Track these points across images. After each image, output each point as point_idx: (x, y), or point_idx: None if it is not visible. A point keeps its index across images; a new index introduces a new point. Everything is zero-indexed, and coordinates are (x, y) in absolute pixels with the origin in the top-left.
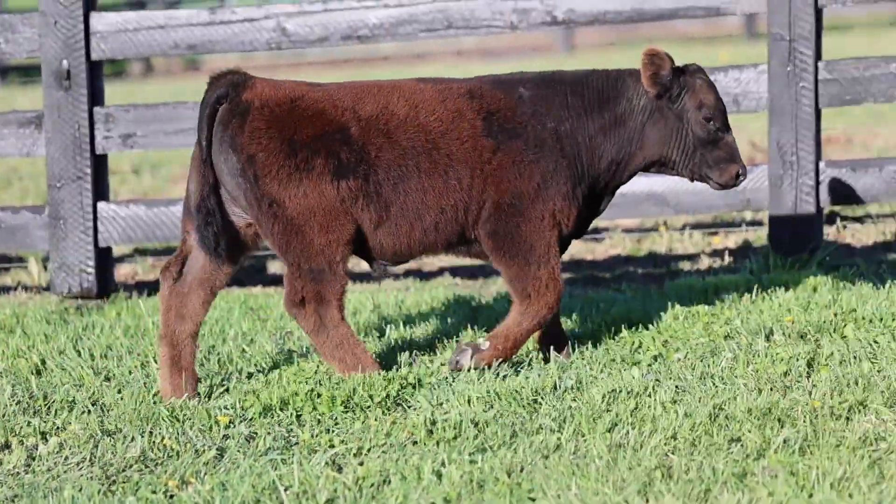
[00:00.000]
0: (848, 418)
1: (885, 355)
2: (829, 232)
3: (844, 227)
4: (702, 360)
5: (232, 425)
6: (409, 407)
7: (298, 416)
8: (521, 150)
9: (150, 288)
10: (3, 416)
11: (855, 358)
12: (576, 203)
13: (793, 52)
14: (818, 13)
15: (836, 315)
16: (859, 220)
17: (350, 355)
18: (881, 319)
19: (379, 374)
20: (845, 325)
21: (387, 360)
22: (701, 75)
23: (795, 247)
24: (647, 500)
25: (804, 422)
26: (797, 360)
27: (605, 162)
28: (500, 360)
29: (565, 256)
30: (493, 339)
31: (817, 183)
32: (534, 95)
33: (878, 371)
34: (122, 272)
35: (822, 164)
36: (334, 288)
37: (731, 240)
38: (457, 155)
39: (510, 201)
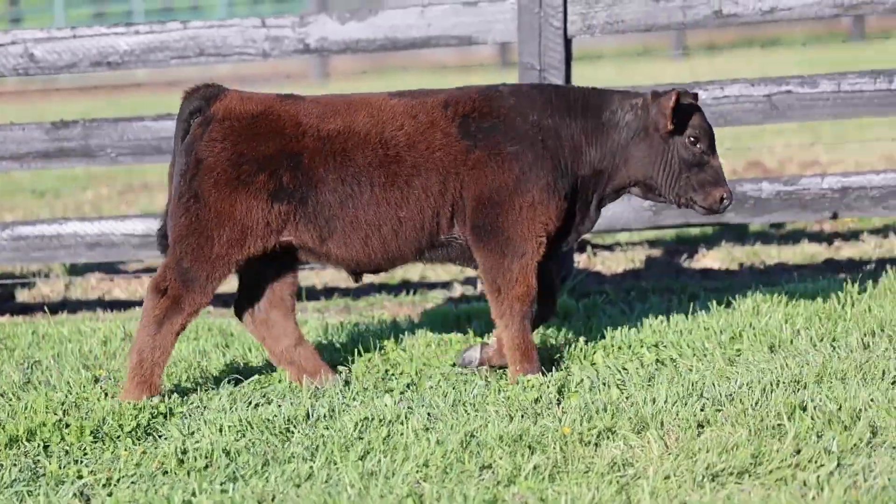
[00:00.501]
0: (597, 444)
1: (633, 381)
2: (581, 260)
3: (595, 254)
4: (454, 388)
5: None
6: (159, 436)
7: (46, 447)
8: (499, 143)
9: None
10: None
11: (604, 384)
12: (557, 196)
13: (543, 82)
14: (567, 43)
15: (585, 342)
16: (609, 248)
17: (148, 365)
18: (629, 346)
19: (139, 398)
20: (595, 352)
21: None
22: (688, 96)
23: None
24: None
25: (554, 448)
26: (548, 387)
27: (588, 167)
28: (529, 369)
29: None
30: (511, 364)
31: None
32: (515, 91)
33: (627, 397)
34: None
35: None
36: (196, 298)
37: None
38: (425, 165)
39: (489, 194)
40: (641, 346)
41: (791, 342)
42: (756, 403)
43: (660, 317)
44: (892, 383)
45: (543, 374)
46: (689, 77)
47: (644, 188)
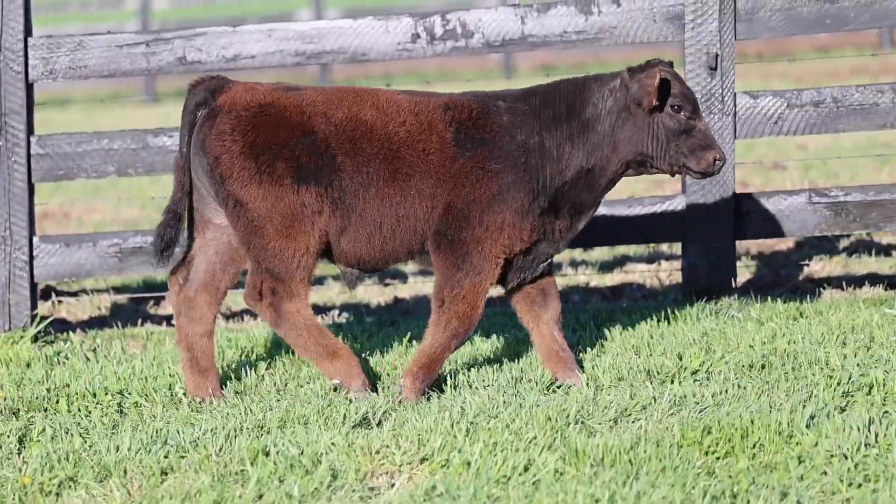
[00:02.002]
0: (58, 494)
1: (96, 429)
2: (44, 307)
3: (60, 301)
4: None
5: None
6: None
7: None
8: (484, 159)
9: None
10: None
11: (67, 433)
12: (531, 217)
13: (4, 127)
14: (29, 88)
15: (49, 390)
16: (75, 294)
17: (314, 343)
18: (94, 393)
19: (350, 360)
20: (58, 400)
21: None
22: (663, 66)
23: None
24: None
25: (13, 499)
26: (8, 436)
27: (572, 171)
28: (423, 381)
29: None
30: (407, 372)
31: (31, 258)
32: (509, 108)
33: (90, 445)
34: None
35: (35, 239)
36: (290, 284)
37: None
38: (420, 165)
39: (460, 206)
40: (106, 394)
41: (256, 387)
42: (220, 449)
43: (125, 364)
44: (353, 426)
45: (425, 395)
46: (158, 123)
47: (636, 166)
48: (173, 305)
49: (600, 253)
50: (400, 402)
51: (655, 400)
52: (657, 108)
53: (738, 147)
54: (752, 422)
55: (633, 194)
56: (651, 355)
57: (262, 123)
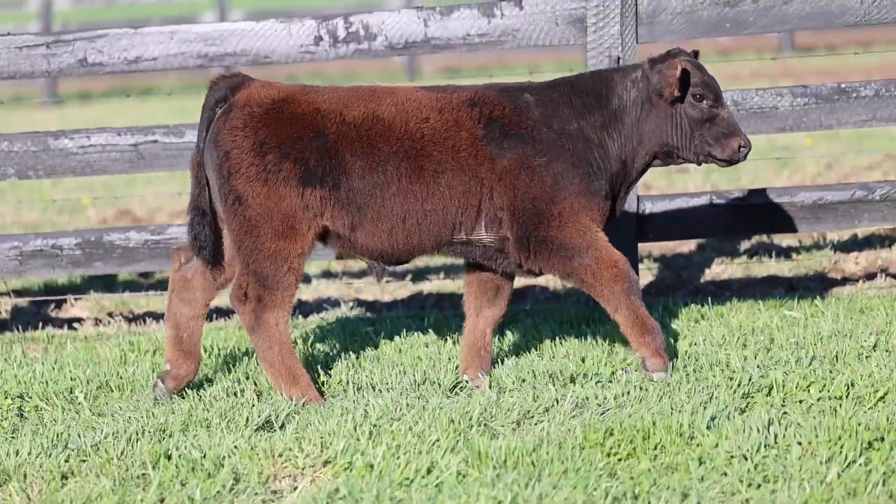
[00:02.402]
0: None
1: None
2: None
3: None
4: None
5: None
6: None
7: None
8: (528, 157)
9: None
10: None
11: None
12: (596, 199)
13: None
14: None
15: None
16: None
17: (280, 362)
18: None
19: (308, 390)
20: None
21: None
22: (683, 56)
23: None
24: None
25: None
26: None
27: (614, 159)
28: (653, 343)
29: None
30: (638, 349)
31: None
32: (539, 100)
33: None
34: None
35: None
36: (276, 293)
37: None
38: (449, 162)
39: (525, 207)
40: (6, 398)
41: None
42: (122, 453)
43: (25, 367)
44: (256, 430)
45: (662, 344)
46: (60, 125)
47: (664, 156)
48: (170, 282)
49: None
50: (651, 379)
51: (558, 402)
52: (679, 98)
53: None
54: (654, 423)
55: None
56: (554, 357)
57: (274, 121)
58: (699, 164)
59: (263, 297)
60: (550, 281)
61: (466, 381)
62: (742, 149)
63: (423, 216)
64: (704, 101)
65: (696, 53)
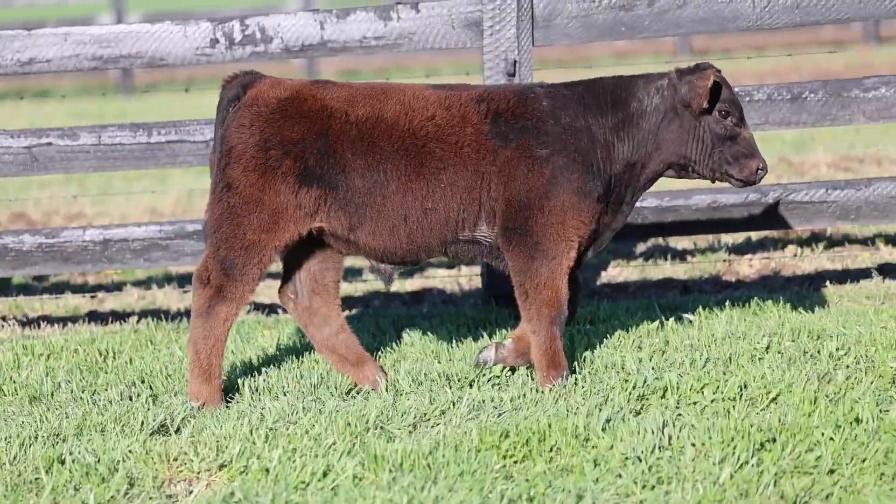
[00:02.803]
0: None
1: None
2: None
3: None
4: None
5: None
6: None
7: None
8: (531, 146)
9: None
10: None
11: None
12: (588, 201)
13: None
14: None
15: None
16: None
17: (205, 356)
18: None
19: (217, 395)
20: None
21: None
22: (714, 70)
23: None
24: None
25: None
26: None
27: (620, 163)
28: (556, 376)
29: None
30: (539, 380)
31: None
32: (548, 93)
33: None
34: None
35: None
36: (238, 286)
37: None
38: (452, 159)
39: (519, 197)
40: None
41: (52, 395)
42: (14, 458)
43: None
44: (151, 434)
45: (567, 378)
46: None
47: (678, 168)
48: (300, 323)
49: None
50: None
51: (454, 404)
52: (705, 111)
53: None
54: (550, 425)
55: None
56: (451, 360)
57: (280, 119)
58: (713, 181)
59: (224, 287)
60: (447, 283)
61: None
62: (760, 171)
63: (425, 214)
64: (729, 118)
65: (719, 72)
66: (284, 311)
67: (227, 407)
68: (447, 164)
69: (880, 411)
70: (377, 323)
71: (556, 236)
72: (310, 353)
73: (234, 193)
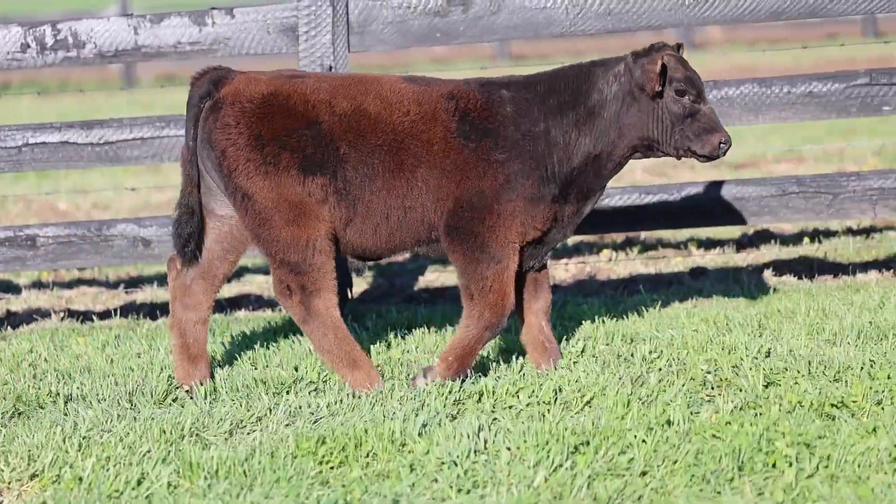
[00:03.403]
0: None
1: None
2: None
3: None
4: None
5: None
6: None
7: None
8: (490, 149)
9: None
10: None
11: None
12: (543, 203)
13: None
14: None
15: None
16: None
17: (338, 348)
18: None
19: (370, 372)
20: None
21: None
22: (667, 50)
23: None
24: None
25: None
26: None
27: (579, 157)
28: (456, 371)
29: None
30: (442, 357)
31: None
32: (512, 98)
33: None
34: None
35: None
36: (315, 279)
37: None
38: (425, 156)
39: (469, 198)
40: None
41: None
42: None
43: None
44: None
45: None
46: None
47: (644, 150)
48: (170, 291)
49: None
50: (423, 382)
51: (271, 411)
52: (660, 92)
53: None
54: (366, 431)
55: None
56: (268, 366)
57: (267, 114)
58: (679, 158)
59: (307, 285)
60: (265, 289)
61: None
62: (722, 145)
63: (405, 213)
64: (686, 97)
65: (679, 46)
66: (101, 317)
67: (37, 414)
68: (422, 162)
69: (691, 413)
70: None
71: (502, 240)
72: (124, 361)
73: (253, 200)
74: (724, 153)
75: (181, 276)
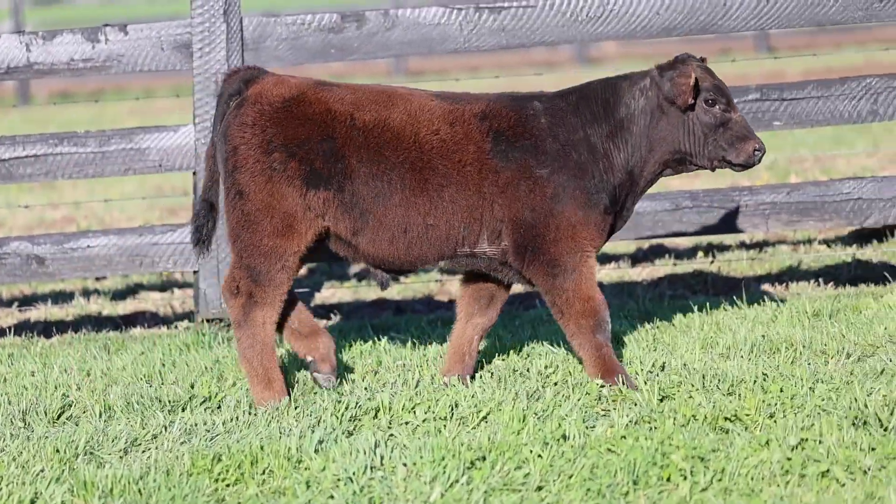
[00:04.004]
0: None
1: None
2: None
3: None
4: None
5: None
6: None
7: None
8: (530, 167)
9: None
10: None
11: None
12: (595, 213)
13: None
14: None
15: None
16: None
17: (258, 362)
18: None
19: (281, 396)
20: None
21: None
22: (693, 62)
23: None
24: None
25: None
26: None
27: (621, 172)
28: (608, 380)
29: None
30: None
31: None
32: (546, 109)
33: None
34: None
35: None
36: (267, 293)
37: None
38: (455, 176)
39: (524, 217)
40: None
41: None
42: None
43: None
44: None
45: (631, 383)
46: None
47: (675, 164)
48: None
49: (113, 282)
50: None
51: (167, 429)
52: (691, 105)
53: None
54: (262, 448)
55: (147, 222)
56: (163, 384)
57: (285, 119)
58: (713, 170)
59: (255, 293)
60: (160, 306)
61: (444, 384)
62: (756, 152)
63: (426, 229)
64: (717, 106)
65: (703, 60)
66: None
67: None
68: (450, 182)
69: (587, 428)
70: (87, 346)
71: (570, 250)
72: (17, 380)
73: (247, 200)
74: (759, 160)
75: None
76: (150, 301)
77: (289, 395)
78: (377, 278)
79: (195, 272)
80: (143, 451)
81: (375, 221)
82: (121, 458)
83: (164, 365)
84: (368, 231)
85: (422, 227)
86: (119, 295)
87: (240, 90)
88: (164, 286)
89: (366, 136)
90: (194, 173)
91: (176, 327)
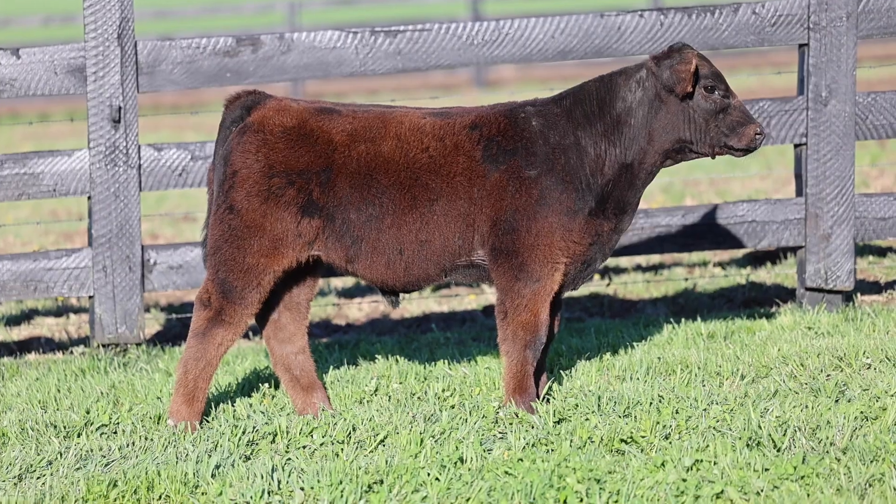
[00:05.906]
0: None
1: None
2: None
3: None
4: None
5: None
6: None
7: None
8: (519, 167)
9: None
10: None
11: None
12: (580, 217)
13: None
14: None
15: None
16: None
17: (193, 377)
18: None
19: (197, 416)
20: None
21: None
22: (688, 49)
23: None
24: None
25: None
26: None
27: (611, 168)
28: (524, 401)
29: None
30: (506, 396)
31: None
32: (538, 111)
33: None
34: None
35: None
36: (235, 313)
37: None
38: (445, 188)
39: (507, 218)
40: None
41: None
42: None
43: None
44: None
45: (534, 409)
46: None
47: (675, 154)
48: (263, 334)
49: (7, 308)
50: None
51: (62, 455)
52: (690, 93)
53: (147, 199)
54: (159, 473)
55: (42, 247)
56: (58, 409)
57: (285, 148)
58: (713, 157)
59: (224, 310)
60: (55, 332)
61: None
62: (758, 136)
63: (420, 246)
64: (716, 92)
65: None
66: None
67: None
68: (440, 195)
69: (484, 451)
70: None
71: (542, 258)
72: None
73: (236, 216)
74: (760, 144)
75: (268, 312)
76: (46, 326)
77: (201, 423)
78: (386, 300)
79: (91, 297)
80: (38, 478)
81: (369, 247)
82: (15, 484)
83: (59, 390)
84: (363, 257)
85: (415, 245)
86: (13, 320)
87: (242, 116)
88: (60, 311)
89: (359, 164)
90: (89, 198)
91: (71, 352)
